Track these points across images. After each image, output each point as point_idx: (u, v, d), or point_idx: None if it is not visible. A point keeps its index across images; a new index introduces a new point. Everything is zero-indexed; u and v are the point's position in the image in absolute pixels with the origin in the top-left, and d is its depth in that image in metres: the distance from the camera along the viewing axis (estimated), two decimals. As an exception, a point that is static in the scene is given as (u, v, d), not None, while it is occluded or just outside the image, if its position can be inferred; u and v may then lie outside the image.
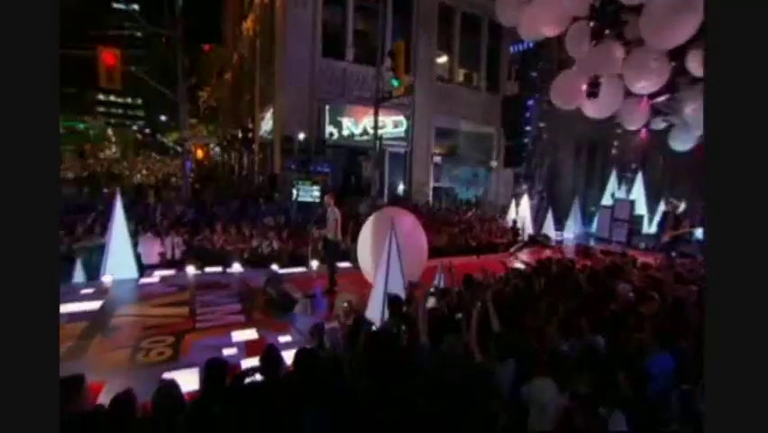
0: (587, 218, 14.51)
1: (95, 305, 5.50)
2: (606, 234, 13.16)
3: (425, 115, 14.49)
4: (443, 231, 9.40)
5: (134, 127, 72.65)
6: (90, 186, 14.35)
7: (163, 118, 44.35)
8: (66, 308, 5.35)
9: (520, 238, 11.52)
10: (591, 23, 7.98)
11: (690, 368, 2.76)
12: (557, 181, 18.05)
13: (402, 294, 3.95)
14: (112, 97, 70.74)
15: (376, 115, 9.50)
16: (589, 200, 15.96)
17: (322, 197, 10.98)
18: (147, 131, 71.94)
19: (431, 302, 4.05)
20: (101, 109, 67.67)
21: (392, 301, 3.33)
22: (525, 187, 13.67)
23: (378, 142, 10.18)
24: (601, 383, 2.55)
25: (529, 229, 12.33)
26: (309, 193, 9.62)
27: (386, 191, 14.10)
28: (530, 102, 13.73)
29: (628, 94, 7.63)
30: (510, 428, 2.37)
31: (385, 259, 4.18)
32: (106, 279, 6.55)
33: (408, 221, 5.40)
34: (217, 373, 2.42)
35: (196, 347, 4.28)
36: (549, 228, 12.86)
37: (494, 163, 16.53)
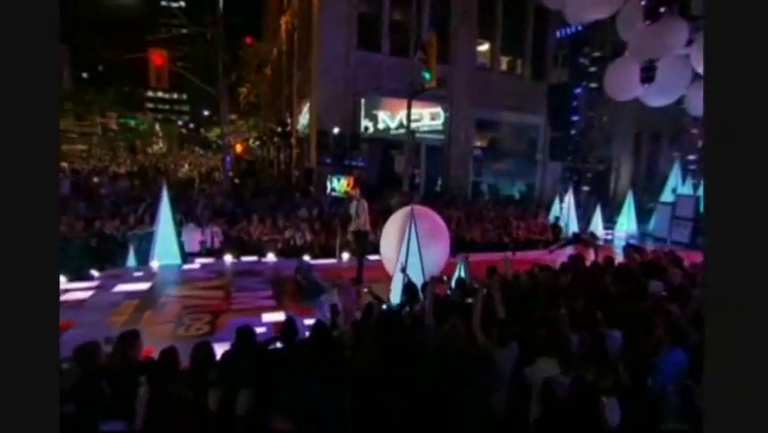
0: (643, 216, 13.92)
1: (145, 286, 6.37)
2: (664, 234, 12.58)
3: (465, 107, 14.55)
4: (476, 226, 9.55)
5: (179, 122, 78.02)
6: (140, 179, 15.91)
7: (206, 113, 47.30)
8: (122, 287, 6.27)
9: (562, 236, 11.36)
10: (644, 1, 7.75)
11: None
12: (610, 175, 17.39)
13: (420, 283, 4.28)
14: (159, 93, 76.39)
15: (409, 108, 9.80)
16: (649, 197, 15.25)
17: (353, 187, 11.52)
18: (191, 126, 76.99)
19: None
20: (150, 105, 73.34)
21: (406, 287, 3.69)
22: (570, 181, 13.33)
23: (411, 135, 10.46)
24: (603, 372, 2.76)
25: (574, 227, 12.09)
26: (342, 187, 10.14)
27: (421, 186, 14.35)
28: (578, 90, 13.36)
29: (698, 76, 7.29)
30: (513, 411, 2.65)
31: (404, 249, 4.53)
32: (154, 264, 7.47)
33: (430, 217, 5.70)
34: (246, 337, 2.91)
35: (230, 325, 4.87)
36: (597, 226, 12.53)
37: (539, 156, 16.23)
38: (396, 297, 4.48)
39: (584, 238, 11.64)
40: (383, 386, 2.42)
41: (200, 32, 13.52)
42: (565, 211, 12.24)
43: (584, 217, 12.69)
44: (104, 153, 39.85)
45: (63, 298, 5.77)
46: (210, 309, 5.45)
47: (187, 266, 7.59)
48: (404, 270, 4.34)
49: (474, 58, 14.94)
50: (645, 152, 19.24)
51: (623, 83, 9.08)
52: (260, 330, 4.73)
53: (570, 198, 12.42)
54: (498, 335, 3.08)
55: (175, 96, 77.46)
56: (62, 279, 6.38)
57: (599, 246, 10.88)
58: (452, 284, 4.49)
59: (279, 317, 5.19)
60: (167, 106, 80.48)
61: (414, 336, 3.11)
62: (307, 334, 3.19)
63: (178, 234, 7.94)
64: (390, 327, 3.10)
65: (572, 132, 13.58)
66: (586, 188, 14.32)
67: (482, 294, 3.25)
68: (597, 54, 13.27)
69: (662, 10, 7.64)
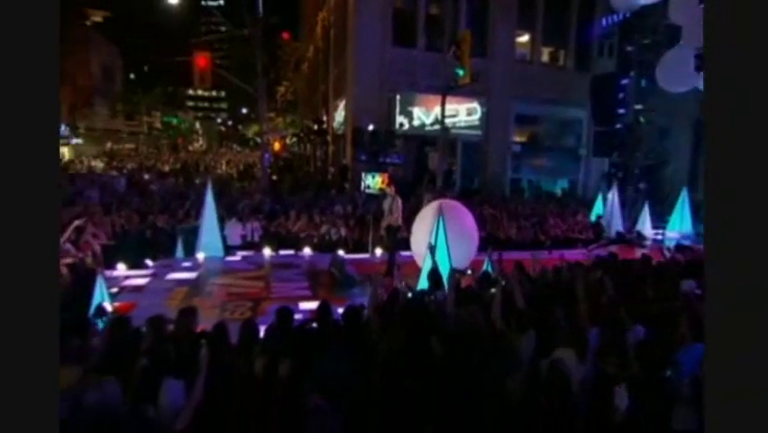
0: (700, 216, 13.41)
1: (193, 275, 7.20)
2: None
3: (503, 101, 14.64)
4: (512, 224, 9.76)
5: (218, 120, 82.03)
6: (184, 177, 17.28)
7: (244, 111, 49.60)
8: (173, 275, 7.14)
9: (604, 235, 11.28)
10: None
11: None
12: (662, 172, 16.77)
13: (446, 275, 4.69)
14: (199, 92, 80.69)
15: (443, 105, 10.15)
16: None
17: (388, 184, 11.99)
18: (229, 123, 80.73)
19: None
20: (190, 104, 77.65)
21: (431, 273, 4.12)
22: (614, 178, 13.08)
23: (445, 132, 10.81)
24: (622, 365, 3.04)
25: (618, 226, 11.93)
26: (376, 184, 10.67)
27: (457, 183, 14.62)
28: (625, 80, 13.09)
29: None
30: (529, 397, 3.00)
31: (432, 239, 4.96)
32: (200, 255, 8.33)
33: (459, 211, 6.07)
34: (285, 317, 3.47)
35: (270, 311, 5.50)
36: (645, 226, 12.27)
37: (583, 151, 16.00)
38: (422, 284, 4.91)
39: (628, 238, 11.50)
40: (407, 368, 2.86)
41: (239, 32, 14.49)
42: (608, 209, 12.11)
43: (630, 216, 12.47)
44: (149, 151, 42.96)
45: (125, 283, 6.69)
46: (251, 297, 6.14)
47: (229, 258, 8.40)
48: (431, 247, 4.72)
49: (513, 50, 14.99)
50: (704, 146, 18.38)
51: (677, 72, 8.90)
52: (296, 317, 5.36)
53: (614, 196, 12.25)
54: (517, 323, 3.45)
55: (214, 93, 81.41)
56: (122, 266, 7.36)
57: (646, 247, 10.76)
58: (469, 271, 4.87)
59: (315, 305, 5.77)
60: (206, 104, 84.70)
61: (436, 321, 3.54)
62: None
63: (221, 229, 8.78)
64: (414, 312, 3.56)
65: (618, 126, 13.33)
66: (633, 186, 13.97)
67: (501, 285, 3.62)
68: (647, 41, 12.88)
69: None
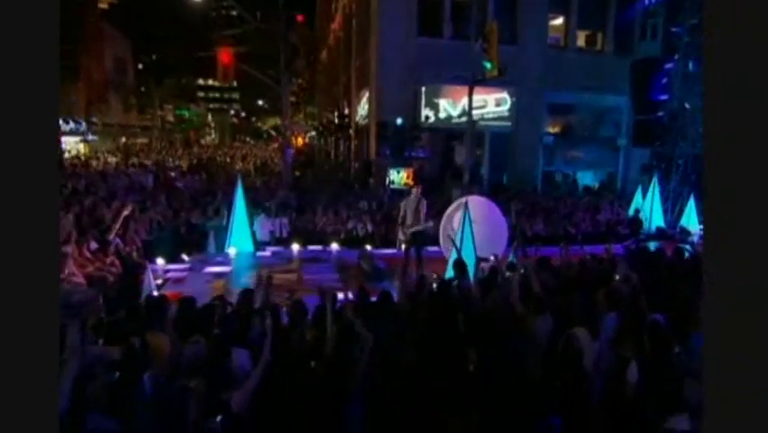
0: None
1: (228, 269, 8.16)
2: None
3: (534, 90, 15.08)
4: (539, 218, 10.36)
5: (231, 112, 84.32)
6: (206, 173, 18.51)
7: (260, 103, 51.11)
8: (210, 269, 8.11)
9: (644, 230, 11.70)
10: None
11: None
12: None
13: (472, 266, 5.42)
14: (210, 81, 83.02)
15: (470, 97, 10.79)
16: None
17: (414, 183, 12.71)
18: (242, 115, 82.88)
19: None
20: (201, 95, 79.95)
21: (456, 263, 4.87)
22: (655, 170, 13.37)
23: (472, 125, 11.44)
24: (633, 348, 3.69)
25: (659, 221, 12.31)
26: (401, 179, 11.44)
27: (485, 177, 15.21)
28: (668, 65, 13.35)
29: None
30: (547, 374, 3.71)
31: (459, 233, 5.70)
32: (231, 251, 9.30)
33: (488, 208, 6.78)
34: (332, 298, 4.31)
35: (305, 301, 6.37)
36: (690, 221, 12.56)
37: (622, 142, 16.29)
38: (449, 273, 5.67)
39: (670, 234, 11.85)
40: (431, 347, 3.60)
41: (259, 25, 15.47)
42: (648, 203, 12.47)
43: (673, 210, 12.79)
44: (162, 146, 45.02)
45: (167, 276, 7.69)
46: (286, 288, 7.00)
47: (259, 253, 9.34)
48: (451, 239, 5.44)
49: (545, 35, 15.41)
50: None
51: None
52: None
53: (654, 189, 12.58)
54: (534, 307, 4.16)
55: (226, 84, 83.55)
56: (161, 261, 8.38)
57: (692, 243, 11.05)
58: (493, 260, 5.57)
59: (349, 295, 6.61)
60: (217, 95, 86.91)
61: (461, 304, 4.30)
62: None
63: (251, 225, 9.73)
64: (441, 296, 4.33)
65: (660, 113, 13.60)
66: (678, 177, 14.19)
67: (519, 272, 4.34)
68: (694, 21, 12.97)
69: None
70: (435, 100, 14.26)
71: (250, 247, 9.46)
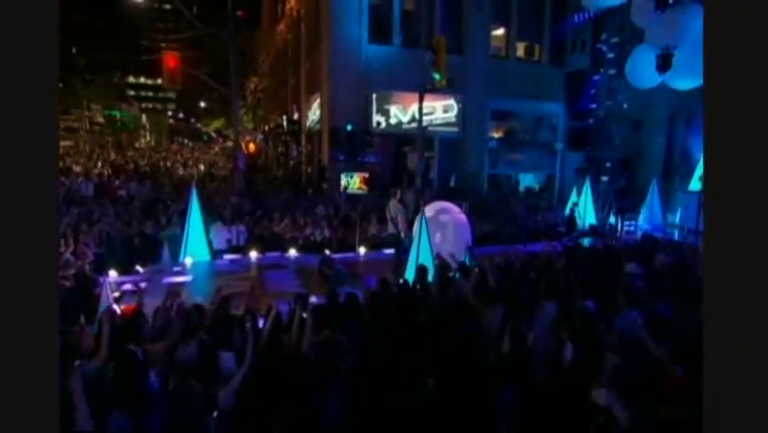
0: (671, 206, 15.34)
1: (187, 278, 8.26)
2: (693, 225, 14.04)
3: (479, 97, 16.13)
4: (485, 220, 11.26)
5: (169, 113, 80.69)
6: (151, 180, 17.98)
7: (202, 105, 49.54)
8: (169, 279, 8.17)
9: (578, 228, 12.96)
10: None
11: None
12: (638, 165, 18.76)
13: (431, 267, 6.03)
14: (142, 79, 78.96)
15: (420, 103, 11.47)
16: (684, 185, 16.58)
17: (369, 188, 13.23)
18: (180, 116, 79.47)
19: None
20: (131, 93, 75.76)
21: (418, 270, 5.46)
22: (588, 171, 14.81)
23: (422, 130, 12.15)
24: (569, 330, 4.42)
25: (592, 219, 13.66)
26: (354, 184, 11.90)
27: (435, 181, 16.04)
28: (596, 77, 14.83)
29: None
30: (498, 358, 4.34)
31: (417, 238, 6.29)
32: (187, 260, 9.35)
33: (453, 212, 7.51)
34: (303, 300, 4.72)
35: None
36: (618, 218, 14.04)
37: (559, 146, 17.75)
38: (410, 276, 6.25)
39: (600, 230, 13.23)
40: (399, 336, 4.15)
41: (210, 33, 15.38)
42: (582, 203, 13.82)
43: (603, 209, 14.23)
44: (91, 150, 42.32)
45: (123, 288, 7.68)
46: (249, 296, 7.26)
47: (217, 262, 9.46)
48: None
49: (488, 45, 16.51)
50: (680, 137, 20.57)
51: (642, 71, 10.40)
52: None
53: (587, 190, 13.98)
54: (488, 299, 4.82)
55: (159, 81, 79.69)
56: (114, 273, 8.31)
57: (618, 238, 12.48)
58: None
59: (312, 300, 7.00)
60: (150, 93, 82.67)
61: (421, 301, 4.89)
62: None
63: (207, 233, 9.80)
64: (406, 294, 4.89)
65: (590, 121, 15.10)
66: (608, 179, 15.78)
67: (475, 271, 4.99)
68: (615, 39, 14.67)
69: (670, 2, 9.00)
70: (386, 106, 14.87)
71: (207, 256, 9.55)
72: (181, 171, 26.53)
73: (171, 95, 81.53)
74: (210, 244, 9.75)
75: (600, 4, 13.44)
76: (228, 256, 9.78)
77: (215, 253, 9.72)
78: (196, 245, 9.53)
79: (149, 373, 2.95)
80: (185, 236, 9.49)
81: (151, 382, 2.93)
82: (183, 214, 9.75)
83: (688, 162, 19.14)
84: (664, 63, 8.47)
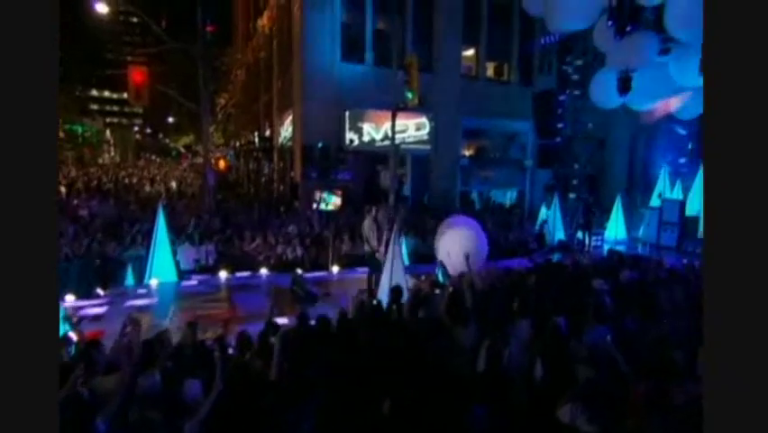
0: (634, 222, 15.95)
1: (152, 301, 7.99)
2: (653, 239, 14.63)
3: (450, 115, 16.47)
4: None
5: (135, 128, 78.95)
6: (114, 198, 17.41)
7: (170, 120, 48.71)
8: (131, 302, 7.88)
9: (548, 243, 13.28)
10: (610, 22, 9.48)
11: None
12: (602, 182, 19.50)
13: (404, 285, 6.05)
14: (106, 93, 77.10)
15: (393, 121, 11.63)
16: (645, 201, 17.32)
17: (342, 206, 13.24)
18: (147, 131, 77.92)
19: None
20: (95, 107, 73.78)
21: (392, 290, 5.47)
22: (556, 188, 15.29)
23: (395, 148, 12.29)
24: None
25: (561, 234, 14.03)
26: (330, 202, 11.89)
27: (409, 198, 16.18)
28: (562, 97, 15.44)
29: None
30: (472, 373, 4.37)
31: (390, 257, 6.31)
32: (153, 282, 9.06)
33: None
34: (273, 325, 4.63)
35: (241, 329, 6.54)
36: (584, 233, 14.47)
37: (528, 163, 18.26)
38: (384, 296, 6.24)
39: (569, 246, 13.59)
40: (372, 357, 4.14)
41: (179, 48, 15.24)
42: (551, 219, 14.21)
43: (571, 225, 14.66)
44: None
45: (81, 313, 7.35)
46: (219, 318, 7.09)
47: (184, 283, 9.20)
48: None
49: (459, 65, 16.95)
50: (641, 155, 21.53)
51: (605, 92, 10.91)
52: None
53: (555, 206, 14.40)
54: (462, 318, 4.86)
55: (124, 95, 78.16)
56: (71, 297, 7.96)
57: (585, 253, 12.86)
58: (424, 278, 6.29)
59: (283, 322, 6.87)
60: (115, 108, 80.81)
61: (395, 321, 4.88)
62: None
63: (173, 253, 9.55)
64: (377, 314, 4.88)
65: (558, 139, 15.67)
66: (575, 195, 16.34)
67: (448, 290, 5.03)
68: (580, 63, 15.41)
69: (628, 29, 9.54)
70: (359, 124, 14.98)
71: (173, 277, 9.28)
72: (148, 188, 25.80)
73: (138, 109, 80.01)
74: (177, 264, 9.50)
75: (564, 28, 14.16)
76: (197, 276, 9.54)
77: (182, 274, 9.47)
78: (162, 266, 9.26)
79: (95, 418, 2.80)
80: (150, 256, 9.23)
81: (97, 427, 2.78)
82: (149, 233, 9.47)
83: (648, 180, 20.09)
84: (624, 85, 8.92)
